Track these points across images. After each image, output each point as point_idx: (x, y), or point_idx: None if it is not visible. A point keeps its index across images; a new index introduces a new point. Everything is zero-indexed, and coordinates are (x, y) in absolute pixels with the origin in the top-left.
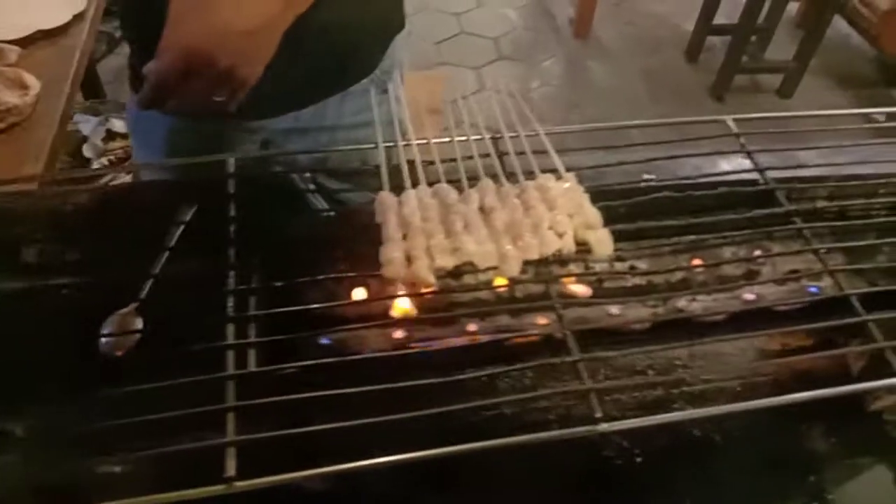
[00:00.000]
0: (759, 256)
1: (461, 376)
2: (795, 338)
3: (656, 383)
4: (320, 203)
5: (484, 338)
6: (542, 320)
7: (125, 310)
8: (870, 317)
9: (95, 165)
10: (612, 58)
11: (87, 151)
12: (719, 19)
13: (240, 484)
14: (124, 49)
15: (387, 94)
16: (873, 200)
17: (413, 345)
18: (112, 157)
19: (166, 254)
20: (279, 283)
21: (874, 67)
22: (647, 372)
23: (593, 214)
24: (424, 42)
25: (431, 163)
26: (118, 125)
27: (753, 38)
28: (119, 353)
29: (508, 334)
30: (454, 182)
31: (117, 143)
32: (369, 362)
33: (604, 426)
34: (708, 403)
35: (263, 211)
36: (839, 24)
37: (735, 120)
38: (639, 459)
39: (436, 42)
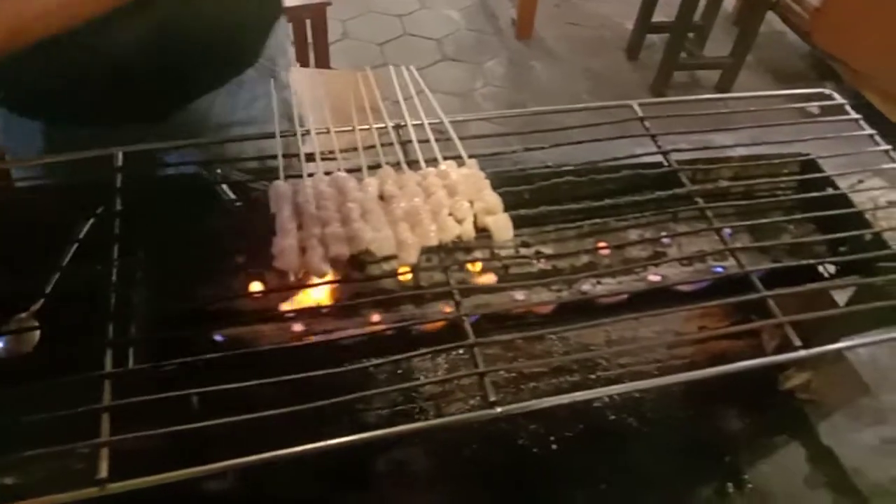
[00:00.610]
0: (662, 237)
1: (353, 366)
2: (709, 320)
3: (568, 368)
4: (224, 194)
5: (381, 327)
6: (444, 308)
7: (23, 314)
8: (768, 293)
9: None
10: (554, 58)
11: None
12: (658, 17)
13: (113, 486)
14: None
15: (278, 83)
16: (777, 179)
17: (307, 337)
18: None
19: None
20: (165, 279)
21: (807, 63)
22: (554, 355)
23: (493, 200)
24: (367, 44)
25: (332, 153)
26: None
27: (691, 35)
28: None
29: (404, 323)
30: (356, 171)
31: None
32: (259, 356)
33: (498, 409)
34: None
35: (151, 204)
36: (774, 21)
37: (640, 104)
38: (554, 446)
39: (378, 43)
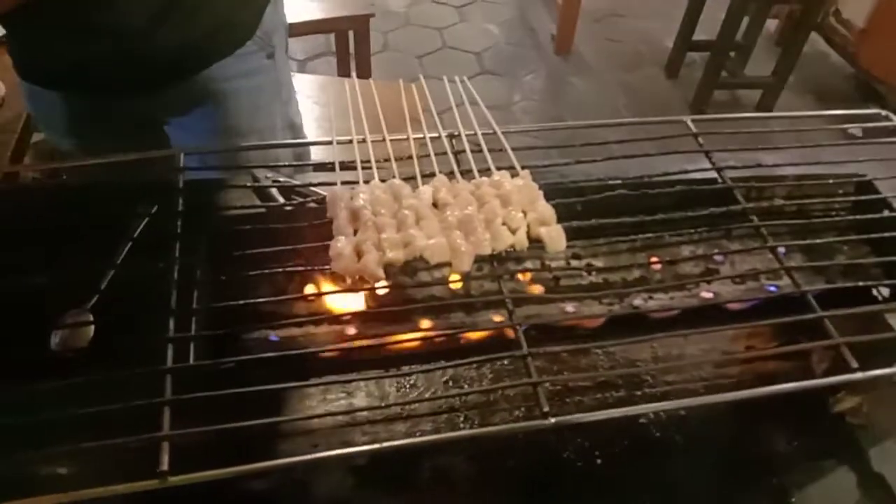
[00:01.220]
0: (715, 254)
1: (408, 371)
2: (758, 339)
3: (614, 383)
4: (277, 197)
5: (433, 334)
6: (494, 317)
7: (78, 309)
8: (825, 313)
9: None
10: (592, 73)
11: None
12: (699, 36)
13: (174, 479)
14: None
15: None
16: (832, 200)
17: (359, 340)
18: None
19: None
20: (224, 277)
21: (851, 84)
22: (598, 368)
23: (547, 210)
24: (407, 55)
25: (387, 160)
26: None
27: (732, 54)
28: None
29: (457, 330)
30: (409, 179)
31: None
32: (314, 358)
33: (552, 420)
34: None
35: (211, 205)
36: (817, 41)
37: (694, 121)
38: (599, 461)
39: (418, 56)
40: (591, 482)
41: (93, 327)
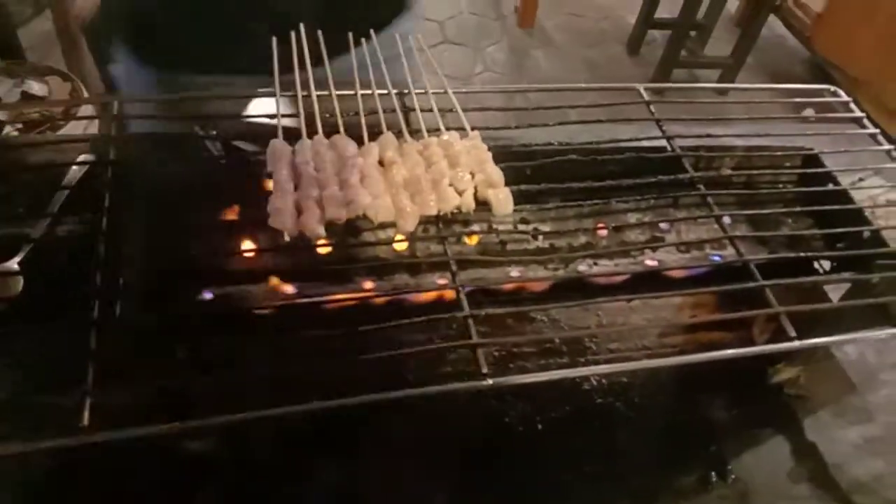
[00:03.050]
0: (661, 221)
1: (341, 331)
2: (701, 308)
3: (557, 349)
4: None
5: (374, 294)
6: (438, 279)
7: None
8: (767, 283)
9: (8, 129)
10: (555, 47)
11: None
12: (661, 14)
13: (94, 435)
14: (49, 14)
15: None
16: (778, 171)
17: (297, 299)
18: (27, 120)
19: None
20: (157, 233)
21: (806, 67)
22: (542, 333)
23: (495, 173)
24: None
25: (332, 115)
26: (36, 88)
27: (693, 33)
28: None
29: (398, 291)
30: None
31: (34, 107)
32: (247, 316)
33: (490, 381)
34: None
35: (145, 157)
36: (776, 24)
37: (647, 89)
38: (540, 426)
39: None
40: (531, 447)
41: (21, 279)
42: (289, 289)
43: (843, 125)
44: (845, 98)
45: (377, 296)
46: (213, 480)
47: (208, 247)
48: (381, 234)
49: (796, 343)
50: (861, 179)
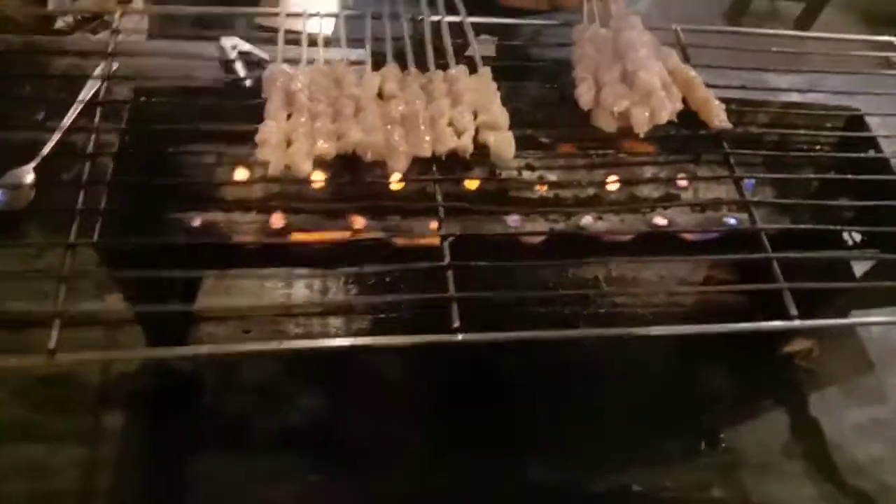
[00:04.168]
0: (677, 179)
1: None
2: (716, 271)
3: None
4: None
5: (352, 236)
6: (427, 224)
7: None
8: (774, 255)
9: (58, 24)
10: None
11: (51, 4)
12: None
13: (61, 356)
14: None
15: None
16: (815, 133)
17: (280, 236)
18: (78, 16)
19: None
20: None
21: None
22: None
23: (500, 114)
24: None
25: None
26: None
27: None
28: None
29: (379, 235)
30: (361, 64)
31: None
32: (230, 246)
33: (459, 337)
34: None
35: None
36: None
37: (684, 30)
38: (526, 380)
39: None
40: (518, 401)
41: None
42: (275, 221)
43: None
44: None
45: (357, 239)
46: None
47: (195, 172)
48: (378, 171)
49: (796, 323)
50: None
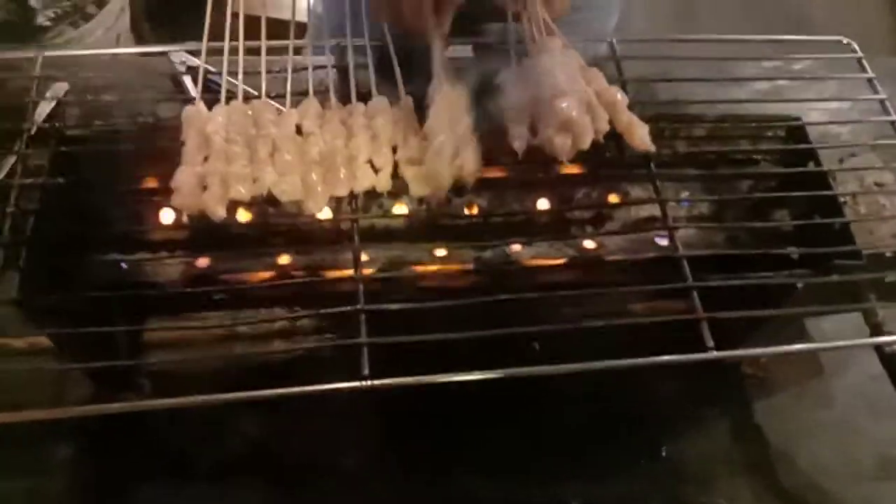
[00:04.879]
0: (605, 202)
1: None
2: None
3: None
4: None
5: (267, 278)
6: (342, 267)
7: None
8: (696, 284)
9: (39, 19)
10: None
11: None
12: None
13: None
14: None
15: None
16: (749, 149)
17: (200, 278)
18: (59, 10)
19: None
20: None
21: None
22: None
23: (418, 149)
24: None
25: (258, 73)
26: None
27: None
28: None
29: (294, 278)
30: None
31: None
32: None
33: (368, 383)
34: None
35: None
36: None
37: (619, 42)
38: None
39: None
40: (457, 416)
41: None
42: (199, 262)
43: (850, 87)
44: (855, 54)
45: (273, 282)
46: None
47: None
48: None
49: (712, 354)
50: (854, 155)
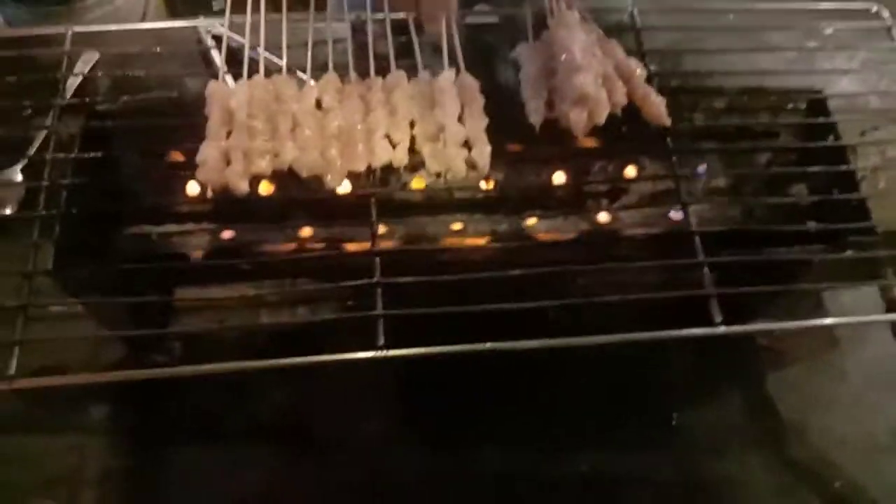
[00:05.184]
0: (620, 175)
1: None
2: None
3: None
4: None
5: (292, 253)
6: (361, 240)
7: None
8: (708, 259)
9: None
10: None
11: None
12: None
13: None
14: None
15: None
16: (769, 121)
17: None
18: None
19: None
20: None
21: None
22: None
23: (434, 124)
24: None
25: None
26: None
27: None
28: None
29: (312, 252)
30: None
31: None
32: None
33: (384, 352)
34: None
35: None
36: None
37: (641, 13)
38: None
39: None
40: (474, 389)
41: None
42: (225, 234)
43: (876, 55)
44: (885, 22)
45: (294, 254)
46: None
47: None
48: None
49: (720, 329)
50: (876, 128)
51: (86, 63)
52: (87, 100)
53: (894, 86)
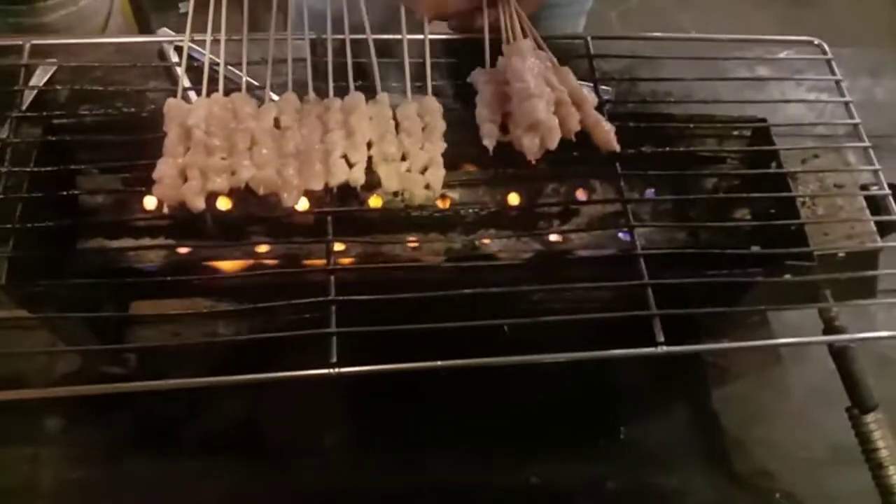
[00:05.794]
0: (571, 199)
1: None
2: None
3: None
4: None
5: (247, 265)
6: (315, 258)
7: None
8: (651, 281)
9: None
10: None
11: None
12: None
13: None
14: None
15: None
16: (717, 149)
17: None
18: None
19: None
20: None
21: None
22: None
23: (391, 145)
24: None
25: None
26: None
27: None
28: None
29: (268, 270)
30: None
31: None
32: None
33: (335, 371)
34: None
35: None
36: None
37: (594, 39)
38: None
39: None
40: (428, 398)
41: None
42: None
43: (819, 88)
44: (825, 55)
45: (237, 273)
46: None
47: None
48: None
49: (661, 349)
50: (817, 157)
51: (43, 75)
52: (45, 112)
53: (834, 117)
